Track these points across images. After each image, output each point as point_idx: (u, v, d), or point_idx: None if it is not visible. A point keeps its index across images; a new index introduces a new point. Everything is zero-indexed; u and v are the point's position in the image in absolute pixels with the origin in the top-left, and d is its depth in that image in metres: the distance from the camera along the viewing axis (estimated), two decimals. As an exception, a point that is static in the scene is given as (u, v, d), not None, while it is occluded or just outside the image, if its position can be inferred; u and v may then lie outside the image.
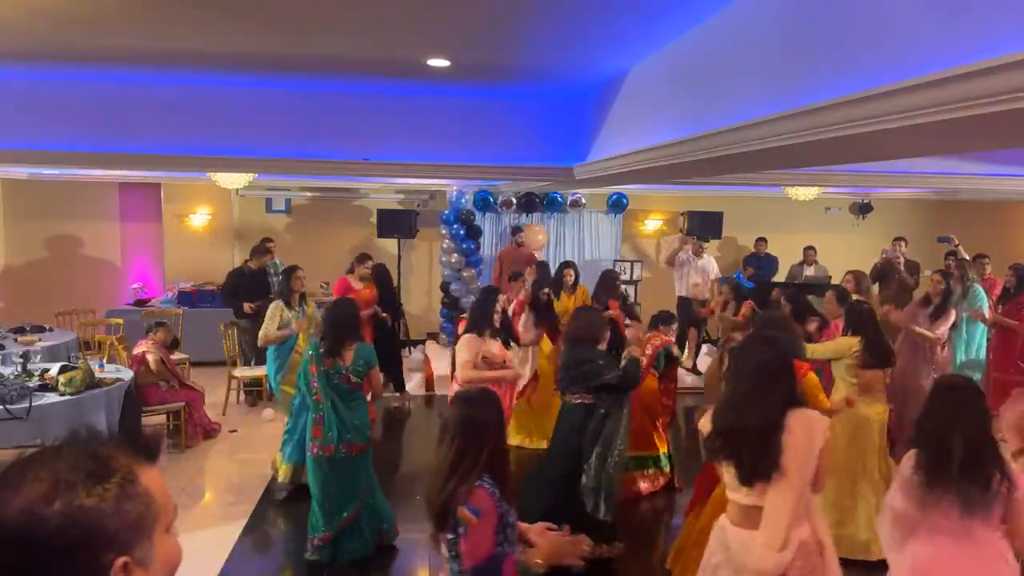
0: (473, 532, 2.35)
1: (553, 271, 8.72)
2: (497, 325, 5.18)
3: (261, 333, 5.85)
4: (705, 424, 2.93)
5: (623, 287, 10.52)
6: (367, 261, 7.55)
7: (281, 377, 5.95)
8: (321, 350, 4.45)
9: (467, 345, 4.95)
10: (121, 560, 0.95)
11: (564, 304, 7.19)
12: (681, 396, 8.38)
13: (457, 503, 2.38)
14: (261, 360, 7.54)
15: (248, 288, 7.98)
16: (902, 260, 8.58)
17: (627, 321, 6.16)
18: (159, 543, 1.03)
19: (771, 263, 10.19)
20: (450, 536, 2.43)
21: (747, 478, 2.68)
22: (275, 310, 5.92)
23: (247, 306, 7.78)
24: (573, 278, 7.44)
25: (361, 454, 4.50)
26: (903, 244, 8.78)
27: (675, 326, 5.79)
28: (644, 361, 5.27)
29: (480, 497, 2.39)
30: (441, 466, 2.46)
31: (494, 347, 5.08)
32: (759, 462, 2.64)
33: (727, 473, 2.77)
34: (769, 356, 2.80)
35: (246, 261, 8.45)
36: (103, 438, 1.03)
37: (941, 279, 6.00)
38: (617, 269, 10.53)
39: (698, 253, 9.45)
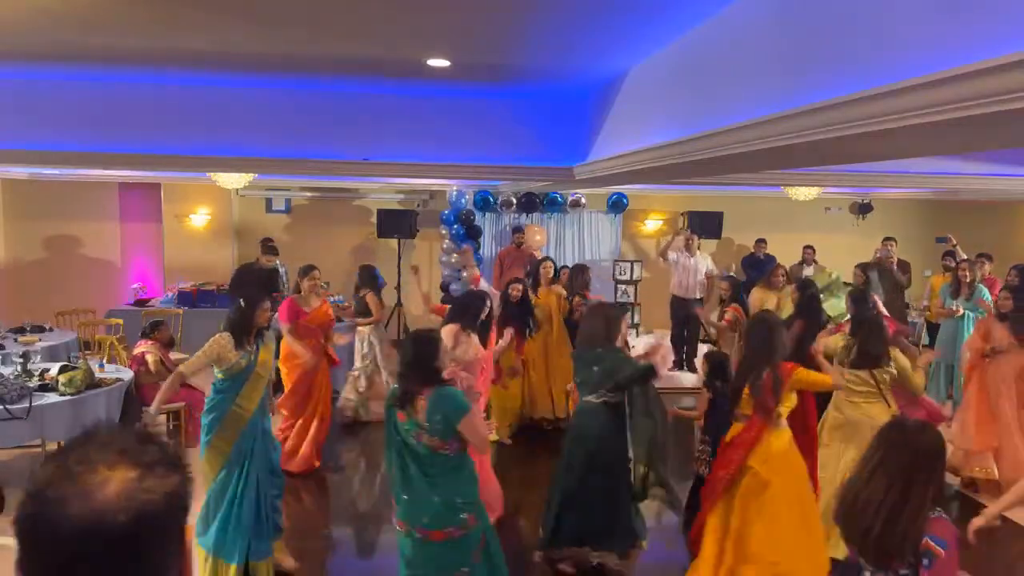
0: (941, 565, 2.33)
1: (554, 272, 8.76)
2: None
3: (182, 366, 4.19)
4: None
5: (618, 287, 10.59)
6: (312, 271, 6.11)
7: (215, 434, 4.17)
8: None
9: (451, 333, 4.72)
10: (191, 525, 1.07)
11: (542, 299, 7.23)
12: (678, 396, 8.41)
13: (919, 535, 2.36)
14: None
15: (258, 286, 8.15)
16: (894, 260, 8.61)
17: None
18: None
19: (769, 264, 10.21)
20: (904, 571, 2.40)
21: None
22: (218, 347, 4.14)
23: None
24: (552, 272, 7.46)
25: (449, 541, 3.31)
26: (894, 244, 8.84)
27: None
28: None
29: (944, 528, 2.37)
30: (872, 496, 2.39)
31: (471, 349, 4.87)
32: None
33: None
34: None
35: (258, 258, 8.66)
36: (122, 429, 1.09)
37: (861, 273, 7.62)
38: (617, 269, 10.59)
39: (688, 248, 9.34)
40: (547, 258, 7.79)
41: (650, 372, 4.32)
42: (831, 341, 4.96)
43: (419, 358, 3.29)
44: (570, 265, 9.11)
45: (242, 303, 4.27)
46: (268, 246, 8.81)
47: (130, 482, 0.96)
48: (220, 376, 4.18)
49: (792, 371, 3.99)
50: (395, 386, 3.39)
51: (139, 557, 0.96)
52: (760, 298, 7.30)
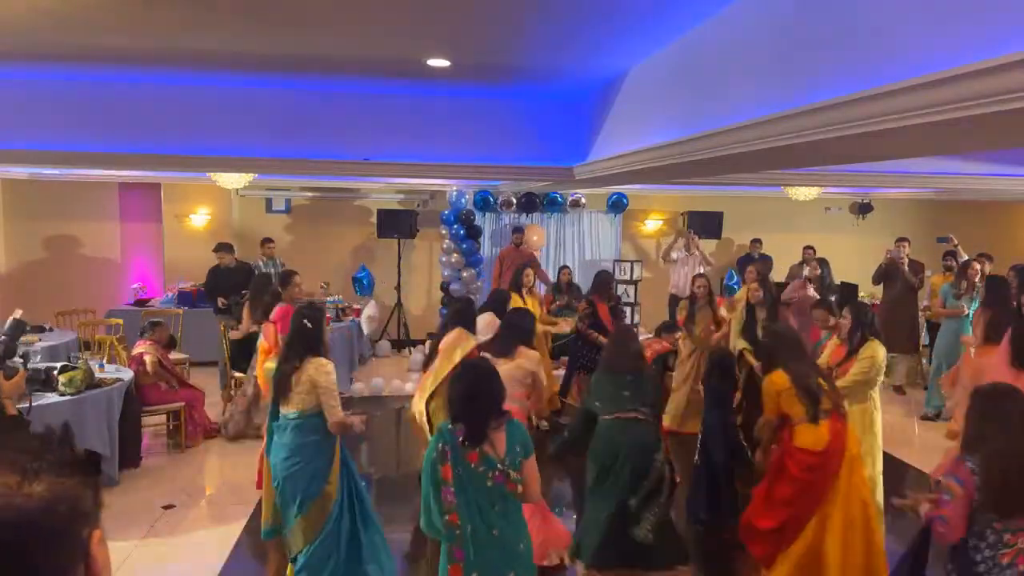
0: None
1: (553, 272, 8.77)
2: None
3: (340, 416, 3.73)
4: None
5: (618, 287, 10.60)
6: (293, 277, 5.93)
7: (328, 476, 3.79)
8: (458, 436, 2.88)
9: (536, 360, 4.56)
10: (98, 533, 1.01)
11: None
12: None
13: None
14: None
15: (225, 284, 8.16)
16: (906, 261, 8.58)
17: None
18: None
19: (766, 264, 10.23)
20: None
21: None
22: (333, 375, 3.80)
23: (220, 300, 7.98)
24: (532, 279, 7.44)
25: None
26: (907, 245, 8.79)
27: (678, 335, 5.65)
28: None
29: None
30: None
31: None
32: None
33: None
34: None
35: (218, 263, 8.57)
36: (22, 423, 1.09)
37: (817, 265, 7.93)
38: (617, 269, 10.59)
39: (688, 248, 9.56)
40: (526, 265, 7.73)
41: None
42: (879, 359, 4.76)
43: (484, 391, 2.94)
44: (570, 265, 9.13)
45: (307, 323, 3.79)
46: (219, 244, 8.62)
47: (7, 488, 0.94)
48: (316, 410, 3.70)
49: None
50: (446, 428, 2.94)
51: (22, 566, 0.93)
52: (743, 295, 7.42)
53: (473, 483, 2.84)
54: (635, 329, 8.53)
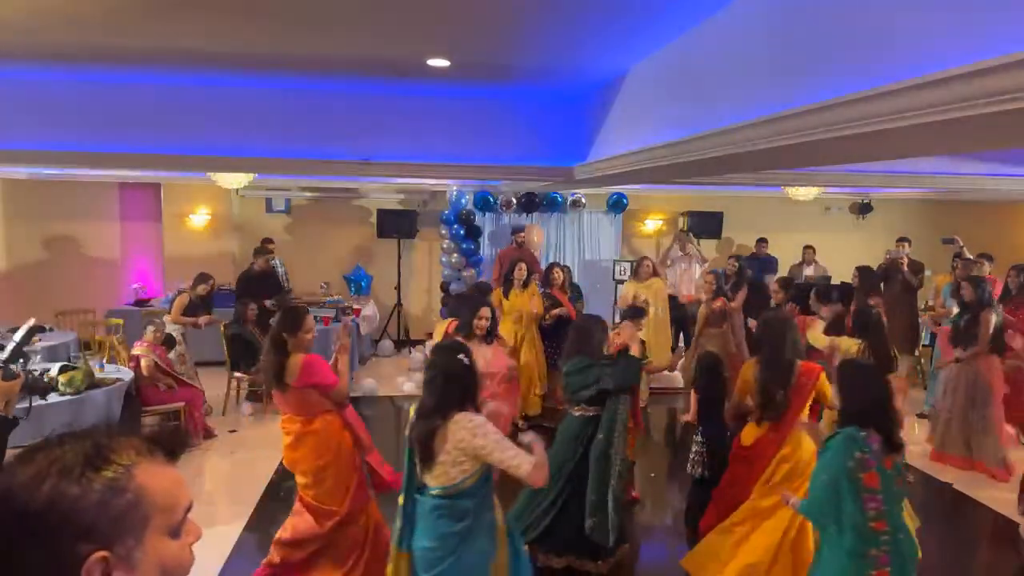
0: None
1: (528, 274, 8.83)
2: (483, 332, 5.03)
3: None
4: None
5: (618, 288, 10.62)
6: (306, 320, 3.89)
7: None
8: (873, 443, 2.94)
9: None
10: (99, 554, 0.92)
11: (514, 302, 7.24)
12: (674, 397, 8.42)
13: None
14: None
15: (257, 288, 8.13)
16: (906, 261, 8.58)
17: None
18: (154, 545, 0.97)
19: (771, 264, 10.21)
20: None
21: None
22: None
23: (250, 311, 7.67)
24: (526, 274, 7.46)
25: None
26: (907, 245, 8.79)
27: (643, 321, 5.76)
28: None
29: None
30: None
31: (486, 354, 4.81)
32: None
33: None
34: None
35: (252, 263, 8.59)
36: (117, 430, 1.02)
37: (735, 262, 7.89)
38: (617, 269, 10.60)
39: (684, 250, 9.68)
40: (520, 259, 7.78)
41: (624, 377, 4.24)
42: (843, 343, 4.98)
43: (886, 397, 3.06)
44: (570, 265, 9.14)
45: (463, 359, 2.89)
46: (260, 247, 8.72)
47: (26, 480, 0.93)
48: (472, 480, 2.83)
49: (819, 374, 4.07)
50: (858, 435, 2.98)
51: (5, 559, 0.91)
52: (632, 290, 7.61)
53: (893, 488, 2.96)
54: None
